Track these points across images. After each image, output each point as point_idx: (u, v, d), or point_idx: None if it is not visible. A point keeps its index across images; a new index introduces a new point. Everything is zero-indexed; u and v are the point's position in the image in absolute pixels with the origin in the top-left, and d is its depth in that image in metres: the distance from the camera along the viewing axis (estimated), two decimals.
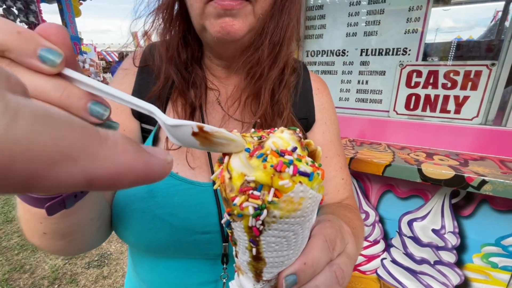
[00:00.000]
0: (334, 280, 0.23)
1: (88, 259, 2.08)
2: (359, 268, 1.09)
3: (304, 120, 0.50)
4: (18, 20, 3.70)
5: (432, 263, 0.96)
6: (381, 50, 1.00)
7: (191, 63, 0.46)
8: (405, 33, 0.94)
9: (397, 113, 1.01)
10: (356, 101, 1.09)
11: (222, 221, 0.22)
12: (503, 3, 1.35)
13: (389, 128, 1.02)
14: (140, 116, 0.46)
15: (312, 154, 0.22)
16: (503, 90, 0.84)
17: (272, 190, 0.18)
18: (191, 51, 0.46)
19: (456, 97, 0.91)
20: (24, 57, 0.16)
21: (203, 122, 0.46)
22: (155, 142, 0.45)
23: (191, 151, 0.45)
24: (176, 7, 0.44)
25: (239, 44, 0.41)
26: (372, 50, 1.01)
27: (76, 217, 0.32)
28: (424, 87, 0.94)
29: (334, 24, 1.06)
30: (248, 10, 0.37)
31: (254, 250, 0.21)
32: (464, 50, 2.34)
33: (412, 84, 0.96)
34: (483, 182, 0.72)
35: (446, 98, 0.92)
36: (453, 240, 0.91)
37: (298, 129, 0.21)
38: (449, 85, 0.91)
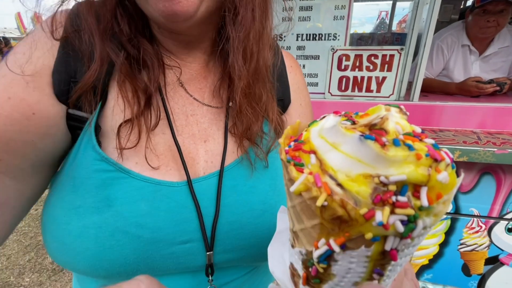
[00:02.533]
0: None
1: None
2: None
3: (281, 102, 0.44)
4: None
5: None
6: (314, 35, 1.06)
7: (135, 35, 0.35)
8: (334, 19, 1.02)
9: (332, 95, 1.10)
10: None
11: (315, 254, 0.15)
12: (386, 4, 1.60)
13: (326, 109, 1.11)
14: (67, 99, 0.33)
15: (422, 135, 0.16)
16: (411, 64, 1.01)
17: (425, 189, 0.13)
18: (133, 20, 0.35)
19: (377, 78, 1.05)
20: None
21: (165, 108, 0.36)
22: (98, 136, 0.34)
23: (152, 146, 0.35)
24: None
25: (193, 21, 0.32)
26: (306, 35, 1.06)
27: None
28: (352, 69, 1.05)
29: None
30: None
31: (375, 282, 0.16)
32: (366, 42, 2.74)
33: (343, 67, 1.05)
34: None
35: (370, 79, 1.05)
36: None
37: (402, 107, 0.16)
38: (371, 67, 1.03)
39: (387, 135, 0.14)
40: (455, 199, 1.02)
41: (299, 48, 1.09)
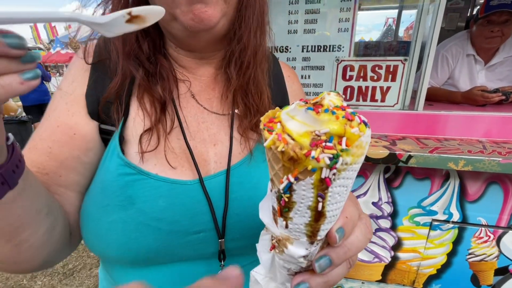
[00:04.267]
0: (367, 231, 0.27)
1: None
2: None
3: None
4: None
5: (374, 231, 1.12)
6: (319, 47, 1.09)
7: (154, 53, 0.42)
8: (338, 32, 1.05)
9: None
10: None
11: (281, 187, 0.22)
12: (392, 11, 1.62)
13: None
14: (98, 116, 0.39)
15: None
16: (415, 75, 1.03)
17: (344, 139, 0.19)
18: (152, 41, 0.42)
19: (381, 88, 1.07)
20: None
21: (177, 117, 0.42)
22: (122, 144, 0.39)
23: (170, 150, 0.41)
24: None
25: (212, 33, 0.39)
26: (311, 46, 1.10)
27: (20, 205, 0.28)
28: (357, 79, 1.07)
29: (276, 21, 1.11)
30: None
31: (320, 205, 0.22)
32: (373, 50, 2.76)
33: (347, 77, 1.08)
34: (410, 157, 0.87)
35: (374, 89, 1.07)
36: (388, 209, 1.07)
37: (340, 91, 0.23)
38: (375, 77, 1.06)
39: (322, 107, 0.21)
40: (462, 207, 1.01)
41: (304, 59, 1.12)
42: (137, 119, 0.40)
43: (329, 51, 1.08)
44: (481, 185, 0.97)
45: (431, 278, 1.14)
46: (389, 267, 1.16)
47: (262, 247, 0.28)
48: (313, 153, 0.19)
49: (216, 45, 0.43)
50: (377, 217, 1.09)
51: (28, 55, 0.20)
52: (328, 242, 0.25)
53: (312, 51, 1.10)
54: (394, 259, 1.14)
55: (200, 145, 0.43)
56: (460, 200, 1.01)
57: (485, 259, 1.06)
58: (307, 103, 0.22)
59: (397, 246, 1.11)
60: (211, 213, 0.40)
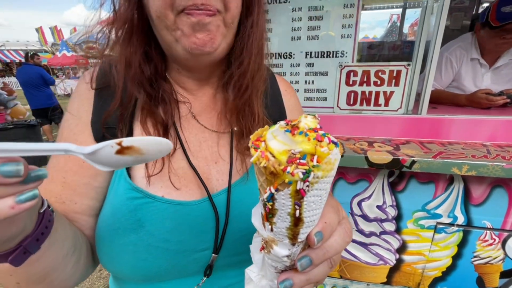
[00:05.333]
0: (345, 235, 0.29)
1: None
2: None
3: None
4: None
5: (378, 234, 1.13)
6: (322, 53, 1.10)
7: (156, 78, 0.44)
8: (341, 38, 1.06)
9: (340, 109, 1.14)
10: (304, 100, 1.18)
11: (265, 196, 0.25)
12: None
13: (334, 122, 1.14)
14: (102, 139, 0.41)
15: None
16: (418, 78, 1.03)
17: (315, 157, 0.23)
18: (154, 66, 0.44)
19: (385, 93, 1.07)
20: None
21: (179, 138, 0.44)
22: (129, 168, 0.41)
23: (174, 172, 0.43)
24: (135, 21, 0.41)
25: (213, 57, 0.41)
26: (315, 53, 1.11)
27: (46, 259, 0.30)
28: (360, 84, 1.08)
29: (279, 28, 1.12)
30: (219, 20, 0.38)
31: (297, 212, 0.25)
32: (377, 50, 2.75)
33: (351, 82, 1.09)
34: (413, 162, 0.88)
35: (377, 93, 1.08)
36: (392, 212, 1.08)
37: (316, 114, 0.27)
38: (378, 82, 1.07)
39: (298, 130, 0.24)
40: (467, 211, 1.02)
41: (308, 65, 1.13)
42: None
43: (333, 56, 1.10)
44: (486, 188, 0.98)
45: (436, 281, 1.15)
46: (394, 270, 1.17)
47: (255, 248, 0.32)
48: (289, 169, 0.23)
49: (215, 66, 0.45)
50: (382, 220, 1.10)
51: (31, 176, 0.20)
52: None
53: (315, 57, 1.12)
54: (399, 261, 1.15)
55: (202, 163, 0.45)
56: (465, 203, 1.01)
57: (490, 262, 1.06)
58: (288, 124, 0.26)
59: (402, 248, 1.12)
60: (216, 230, 0.42)
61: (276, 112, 0.52)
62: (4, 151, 0.18)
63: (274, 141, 0.25)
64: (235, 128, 0.47)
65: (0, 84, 4.91)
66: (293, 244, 0.28)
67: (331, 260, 0.30)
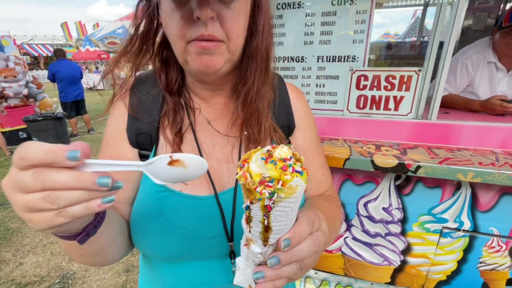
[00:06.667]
0: (313, 245, 0.34)
1: (47, 283, 1.89)
2: (326, 248, 1.25)
3: (286, 127, 0.58)
4: None
5: (384, 235, 1.15)
6: (334, 57, 1.14)
7: (178, 88, 0.52)
8: (353, 43, 1.09)
9: (350, 112, 1.17)
10: (315, 102, 1.22)
11: (243, 206, 0.32)
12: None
13: (344, 125, 1.18)
14: (137, 144, 0.50)
15: (299, 160, 0.33)
16: (429, 84, 1.04)
17: (280, 182, 0.29)
18: (177, 78, 0.52)
19: (395, 97, 1.09)
20: (59, 162, 0.25)
21: (196, 142, 0.51)
22: None
23: None
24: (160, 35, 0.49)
25: (217, 75, 0.48)
26: (326, 57, 1.14)
27: (102, 239, 0.40)
28: (370, 89, 1.11)
29: (293, 32, 1.16)
30: (223, 48, 0.43)
31: (266, 221, 0.32)
32: (394, 50, 2.71)
33: (361, 86, 1.12)
34: (418, 167, 0.90)
35: (387, 98, 1.10)
36: (398, 214, 1.11)
37: (292, 146, 0.33)
38: (389, 87, 1.09)
39: (271, 158, 0.30)
40: (473, 216, 1.03)
41: (319, 68, 1.17)
42: (164, 146, 0.51)
43: (344, 61, 1.12)
44: (494, 195, 0.98)
45: (440, 284, 1.16)
46: (398, 270, 1.19)
47: (242, 243, 0.39)
48: (259, 188, 0.29)
49: (224, 79, 0.52)
50: (387, 222, 1.13)
51: (114, 186, 0.28)
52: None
53: (327, 61, 1.15)
54: (404, 263, 1.17)
55: (216, 163, 0.52)
56: (472, 209, 1.02)
57: (496, 269, 1.07)
58: (268, 151, 0.32)
59: (407, 250, 1.15)
60: (223, 222, 0.49)
61: (284, 119, 0.57)
62: (98, 165, 0.28)
63: (254, 164, 0.31)
64: (245, 133, 0.53)
65: (30, 78, 5.22)
66: (265, 245, 0.35)
67: (301, 263, 0.36)
